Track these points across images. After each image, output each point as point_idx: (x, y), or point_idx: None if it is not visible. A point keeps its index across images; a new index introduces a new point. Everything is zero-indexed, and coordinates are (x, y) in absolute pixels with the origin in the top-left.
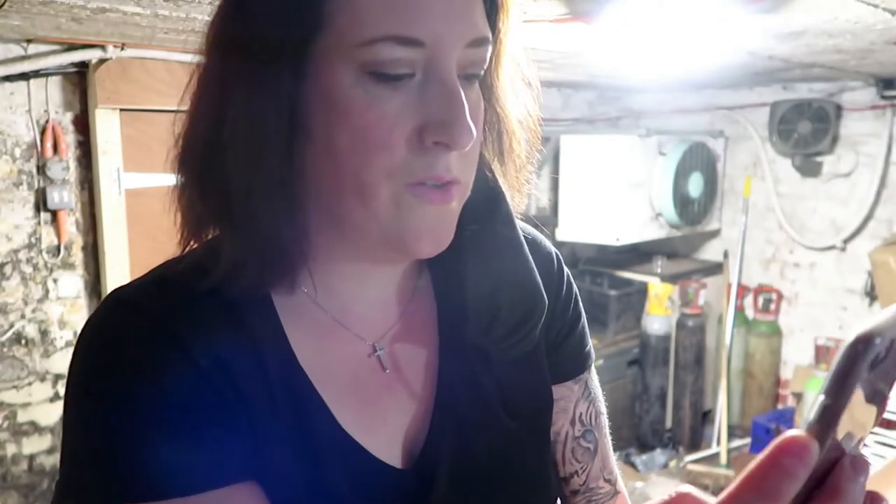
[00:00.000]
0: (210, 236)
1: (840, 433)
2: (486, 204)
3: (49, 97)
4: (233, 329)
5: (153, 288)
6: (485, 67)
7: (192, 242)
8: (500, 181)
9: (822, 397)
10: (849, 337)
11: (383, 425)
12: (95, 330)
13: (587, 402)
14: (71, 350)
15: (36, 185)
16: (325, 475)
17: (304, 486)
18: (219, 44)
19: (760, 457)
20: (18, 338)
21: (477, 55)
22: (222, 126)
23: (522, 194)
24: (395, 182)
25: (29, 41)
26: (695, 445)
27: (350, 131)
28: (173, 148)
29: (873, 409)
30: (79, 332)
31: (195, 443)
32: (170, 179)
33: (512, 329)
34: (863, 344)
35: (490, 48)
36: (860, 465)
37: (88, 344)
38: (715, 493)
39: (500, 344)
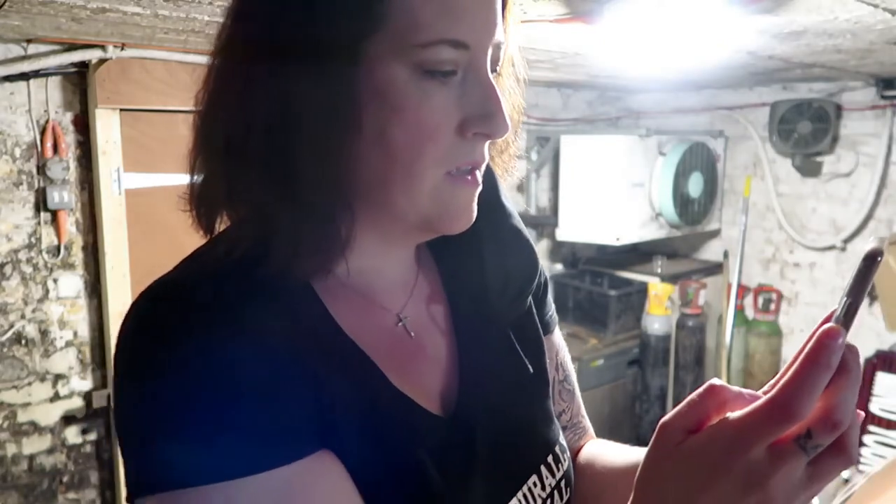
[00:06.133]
0: (218, 228)
1: None
2: (490, 187)
3: (49, 97)
4: (285, 310)
5: (203, 277)
6: (498, 66)
7: (211, 232)
8: (495, 167)
9: (846, 298)
10: (864, 251)
11: (420, 383)
12: (152, 320)
13: (563, 351)
14: (70, 350)
15: (36, 185)
16: (388, 431)
17: (372, 444)
18: (277, 41)
19: (809, 346)
20: (18, 338)
21: (497, 55)
22: (286, 119)
23: (512, 179)
24: (438, 170)
25: (29, 41)
26: None
27: (404, 124)
28: (214, 138)
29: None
30: (75, 332)
31: (274, 417)
32: (170, 179)
33: (519, 290)
34: (872, 258)
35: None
36: (855, 349)
37: (149, 335)
38: None
39: (511, 304)
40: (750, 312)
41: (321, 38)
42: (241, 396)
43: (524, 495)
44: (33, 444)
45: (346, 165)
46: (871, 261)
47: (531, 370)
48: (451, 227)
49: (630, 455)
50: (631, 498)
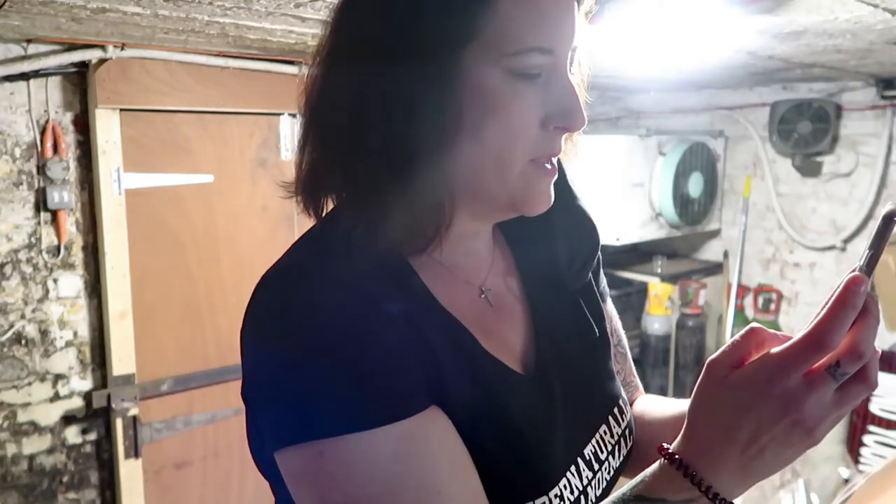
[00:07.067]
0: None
1: None
2: (560, 173)
3: (49, 97)
4: (397, 282)
5: (326, 254)
6: (572, 65)
7: (319, 215)
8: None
9: (867, 251)
10: (883, 211)
11: (504, 346)
12: (290, 294)
13: (615, 319)
14: (70, 350)
15: (36, 185)
16: (485, 389)
17: (471, 400)
18: (387, 52)
19: (838, 291)
20: (18, 338)
21: (572, 56)
22: (399, 119)
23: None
24: (524, 159)
25: (29, 41)
26: None
27: (497, 120)
28: (332, 134)
29: None
30: (75, 332)
31: (399, 376)
32: (170, 179)
33: (584, 262)
34: (889, 218)
35: None
36: (875, 296)
37: (283, 307)
38: None
39: (577, 275)
40: (750, 312)
41: (425, 49)
42: (371, 359)
43: (597, 442)
44: (33, 444)
45: (448, 156)
46: (889, 220)
47: (597, 333)
48: (533, 208)
49: (675, 406)
50: (684, 427)
